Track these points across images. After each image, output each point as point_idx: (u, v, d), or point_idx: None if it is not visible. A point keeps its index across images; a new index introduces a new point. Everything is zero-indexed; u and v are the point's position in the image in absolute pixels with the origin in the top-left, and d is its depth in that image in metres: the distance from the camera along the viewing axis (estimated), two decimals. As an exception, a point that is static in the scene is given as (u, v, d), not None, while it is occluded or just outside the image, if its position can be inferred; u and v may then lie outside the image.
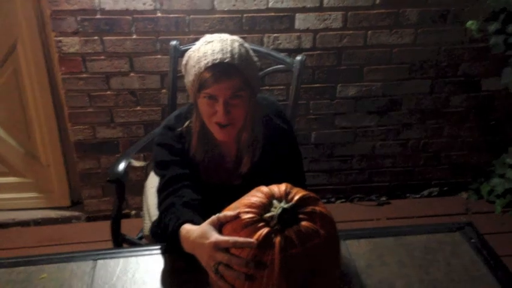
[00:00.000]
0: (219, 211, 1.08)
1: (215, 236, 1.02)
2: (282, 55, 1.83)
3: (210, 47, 1.23)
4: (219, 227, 1.06)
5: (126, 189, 1.75)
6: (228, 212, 1.05)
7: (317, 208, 1.04)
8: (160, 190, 1.33)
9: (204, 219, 1.09)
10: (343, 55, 2.37)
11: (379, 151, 2.65)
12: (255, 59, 1.32)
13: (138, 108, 2.38)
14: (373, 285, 1.21)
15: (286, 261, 0.97)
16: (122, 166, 1.68)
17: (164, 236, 1.24)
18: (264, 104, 1.42)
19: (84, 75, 2.28)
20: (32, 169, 2.57)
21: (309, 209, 1.03)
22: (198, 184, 1.35)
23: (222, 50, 1.22)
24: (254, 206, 1.03)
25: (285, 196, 1.04)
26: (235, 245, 0.99)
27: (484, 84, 2.53)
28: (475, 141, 2.69)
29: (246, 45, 1.30)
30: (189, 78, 1.28)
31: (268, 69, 1.84)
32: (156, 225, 1.31)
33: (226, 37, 1.27)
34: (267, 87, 2.37)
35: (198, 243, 1.05)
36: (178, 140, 1.37)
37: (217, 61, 1.21)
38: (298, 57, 1.73)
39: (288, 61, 1.77)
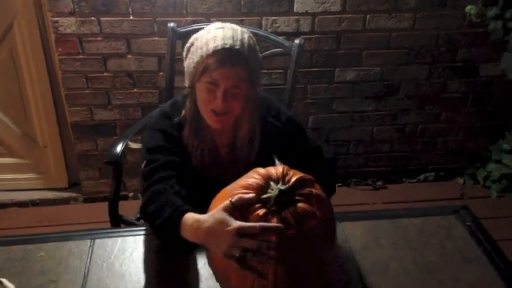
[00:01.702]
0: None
1: (237, 222, 0.97)
2: (280, 38, 1.81)
3: (221, 32, 1.22)
4: (233, 212, 1.00)
5: (124, 171, 1.76)
6: (243, 195, 1.01)
7: (314, 190, 1.05)
8: (149, 174, 1.27)
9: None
10: (341, 39, 2.35)
11: (376, 136, 2.65)
12: (260, 54, 1.31)
13: (135, 90, 2.37)
14: (368, 266, 1.22)
15: (282, 242, 0.97)
16: (119, 148, 1.68)
17: (153, 221, 1.18)
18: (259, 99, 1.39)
19: (81, 57, 2.26)
20: (29, 150, 2.57)
21: (306, 190, 1.04)
22: (187, 177, 1.30)
23: (233, 37, 1.21)
24: (251, 188, 1.03)
25: (282, 178, 1.04)
26: (263, 229, 0.96)
27: (482, 69, 2.52)
28: (472, 127, 2.70)
29: (254, 39, 1.28)
30: (194, 59, 1.24)
31: (266, 52, 1.83)
32: (143, 209, 1.26)
33: (237, 27, 1.27)
34: (265, 71, 2.36)
35: (217, 231, 0.99)
36: (176, 129, 1.34)
37: (227, 46, 1.20)
38: (297, 41, 1.72)
39: (286, 45, 1.77)
